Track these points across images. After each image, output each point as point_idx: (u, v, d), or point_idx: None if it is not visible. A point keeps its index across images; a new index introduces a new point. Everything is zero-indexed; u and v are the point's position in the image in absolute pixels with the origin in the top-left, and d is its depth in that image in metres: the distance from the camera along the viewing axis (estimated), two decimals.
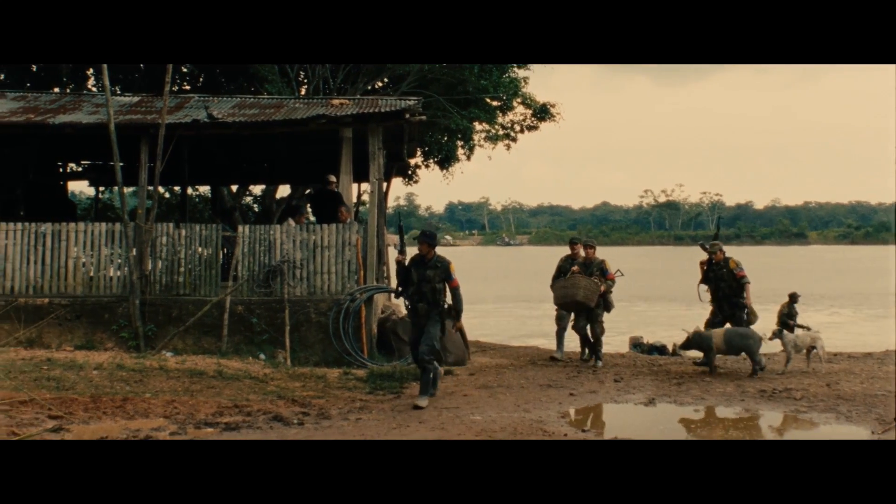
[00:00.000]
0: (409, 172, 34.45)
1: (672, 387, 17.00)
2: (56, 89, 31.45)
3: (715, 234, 21.14)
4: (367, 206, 22.22)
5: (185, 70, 32.15)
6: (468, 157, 34.88)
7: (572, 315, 20.28)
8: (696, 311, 23.47)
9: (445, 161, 34.99)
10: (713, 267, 19.37)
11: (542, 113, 34.95)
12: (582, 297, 19.29)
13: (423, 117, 21.78)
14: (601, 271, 19.71)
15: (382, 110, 21.30)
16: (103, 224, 21.21)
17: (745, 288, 18.95)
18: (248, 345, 19.66)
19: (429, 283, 14.92)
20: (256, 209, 37.52)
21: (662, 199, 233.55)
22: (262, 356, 19.18)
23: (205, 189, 38.31)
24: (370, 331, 20.04)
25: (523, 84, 33.74)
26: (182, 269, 20.52)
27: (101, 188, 33.33)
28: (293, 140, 24.65)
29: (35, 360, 17.65)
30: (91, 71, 33.01)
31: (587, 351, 20.21)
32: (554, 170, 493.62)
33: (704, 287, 19.61)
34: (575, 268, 19.74)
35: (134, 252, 20.16)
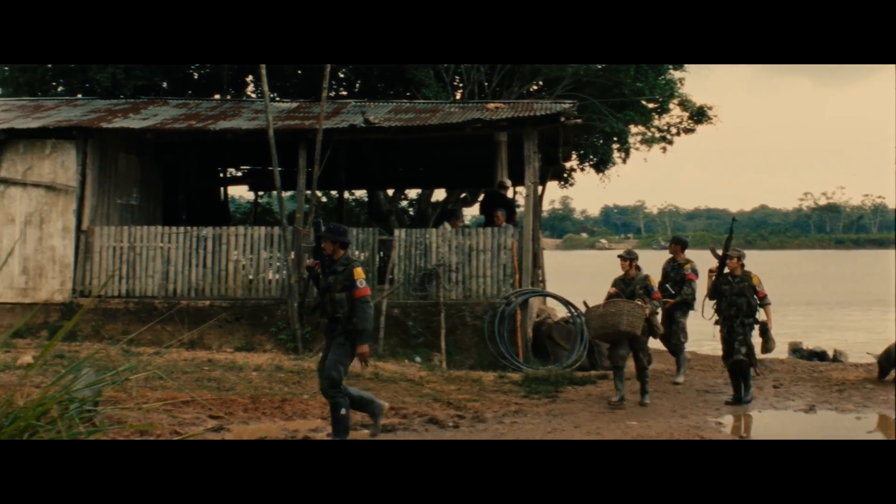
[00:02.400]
0: (565, 176, 34.24)
1: (833, 393, 16.58)
2: (216, 96, 32.08)
3: (728, 237, 16.40)
4: (523, 209, 22.18)
5: (341, 75, 32.50)
6: (624, 160, 34.52)
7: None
8: (859, 316, 22.69)
9: (601, 164, 34.69)
10: (727, 278, 15.82)
11: (699, 115, 34.42)
12: (626, 327, 15.19)
13: (579, 120, 21.62)
14: (645, 290, 15.76)
15: (537, 114, 21.22)
16: (262, 228, 21.58)
17: (767, 310, 15.72)
18: (404, 347, 19.76)
19: (329, 291, 11.78)
20: (412, 213, 37.72)
21: (823, 201, 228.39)
22: (418, 359, 19.26)
23: (361, 193, 38.69)
24: (525, 334, 19.96)
25: (679, 86, 33.30)
26: None
27: (260, 193, 33.90)
28: (448, 144, 24.72)
29: (196, 361, 18.02)
30: (250, 77, 33.60)
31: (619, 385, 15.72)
32: (710, 172, 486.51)
33: (711, 301, 16.11)
34: (612, 289, 15.89)
35: (292, 255, 20.44)
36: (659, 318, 16.29)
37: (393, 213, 33.26)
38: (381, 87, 32.97)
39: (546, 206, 38.09)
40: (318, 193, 23.71)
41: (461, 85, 31.61)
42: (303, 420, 13.59)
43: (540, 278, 24.22)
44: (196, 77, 33.36)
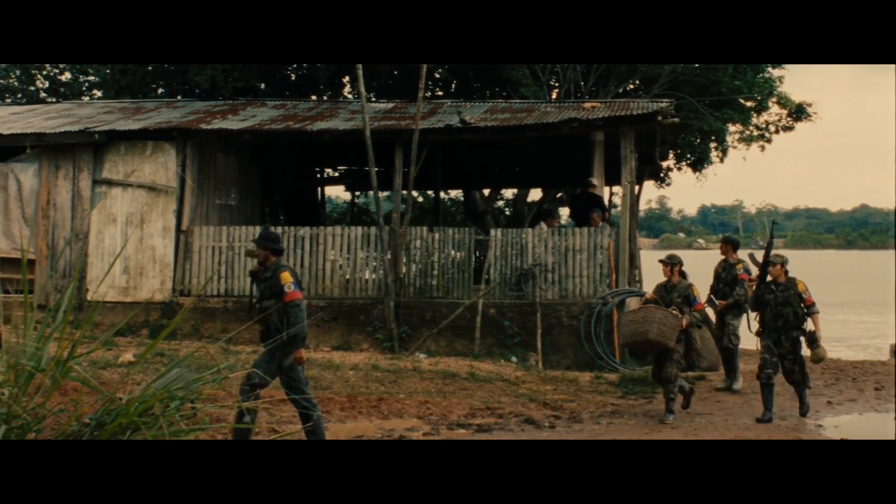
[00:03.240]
0: (661, 175, 33.95)
1: None
2: (313, 97, 32.32)
3: (769, 241, 15.06)
4: (619, 209, 22.04)
5: (437, 76, 32.56)
6: (721, 159, 34.10)
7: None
8: None
9: (698, 163, 34.34)
10: (771, 287, 14.49)
11: (798, 113, 33.88)
12: (655, 336, 14.04)
13: (676, 119, 21.42)
14: (685, 299, 14.52)
15: (634, 113, 21.05)
16: (359, 228, 21.69)
17: (814, 319, 14.34)
18: (500, 347, 19.73)
19: (261, 299, 11.64)
20: (508, 213, 37.68)
21: None
22: (514, 359, 19.22)
23: (457, 193, 38.72)
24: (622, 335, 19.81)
25: (778, 84, 32.82)
26: (435, 272, 20.75)
27: (357, 193, 34.10)
28: (544, 144, 24.62)
29: None
30: (347, 78, 33.79)
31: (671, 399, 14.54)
32: (810, 171, 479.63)
33: (754, 313, 14.91)
34: (649, 294, 15.04)
35: (389, 255, 20.51)
36: (705, 322, 15.76)
37: (489, 213, 33.24)
38: (477, 86, 32.98)
39: (643, 205, 37.92)
40: (415, 193, 23.76)
41: (557, 84, 31.47)
42: (399, 419, 13.63)
43: (637, 278, 24.03)
44: (293, 78, 33.65)
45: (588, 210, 20.84)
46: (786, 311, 14.32)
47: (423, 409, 14.15)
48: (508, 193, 38.72)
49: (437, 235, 20.96)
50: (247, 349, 19.26)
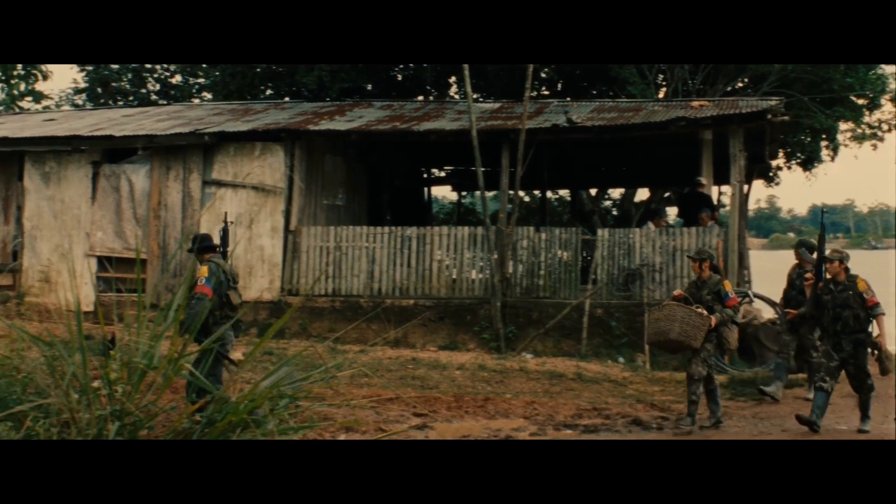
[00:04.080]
0: (770, 174, 33.43)
1: None
2: (420, 97, 32.42)
3: (820, 234, 13.61)
4: (728, 209, 21.77)
5: (544, 75, 32.44)
6: (832, 158, 33.52)
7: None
8: None
9: (808, 162, 33.76)
10: (829, 287, 13.12)
11: None
12: (678, 336, 13.07)
13: (786, 118, 21.08)
14: (716, 296, 13.45)
15: (743, 111, 20.78)
16: (466, 228, 21.71)
17: (879, 321, 12.89)
18: (607, 348, 19.59)
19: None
20: (615, 213, 37.44)
21: None
22: (621, 359, 19.08)
23: (564, 192, 38.56)
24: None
25: (891, 81, 32.13)
26: (542, 272, 20.69)
27: (463, 193, 34.12)
28: (652, 143, 24.40)
29: (401, 360, 18.24)
30: (453, 78, 33.84)
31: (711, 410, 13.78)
32: None
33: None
34: (677, 291, 14.08)
35: (495, 255, 20.48)
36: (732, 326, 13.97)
37: (596, 213, 33.06)
38: (583, 86, 32.79)
39: (751, 205, 37.38)
40: (521, 193, 23.71)
41: (665, 83, 31.19)
42: (505, 419, 13.60)
43: (746, 279, 23.70)
44: (400, 79, 33.76)
45: (697, 210, 20.61)
46: (845, 315, 12.90)
47: (529, 409, 14.11)
48: (615, 193, 38.48)
49: (543, 235, 20.89)
50: (354, 348, 19.40)
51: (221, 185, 22.08)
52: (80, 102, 39.05)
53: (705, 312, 13.11)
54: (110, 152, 23.00)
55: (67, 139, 23.02)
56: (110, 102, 36.98)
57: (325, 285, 21.44)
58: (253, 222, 21.77)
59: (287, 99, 30.68)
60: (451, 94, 34.29)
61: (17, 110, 36.67)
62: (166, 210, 22.33)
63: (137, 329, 6.54)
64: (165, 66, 38.40)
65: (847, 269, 13.07)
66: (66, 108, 37.96)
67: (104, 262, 22.51)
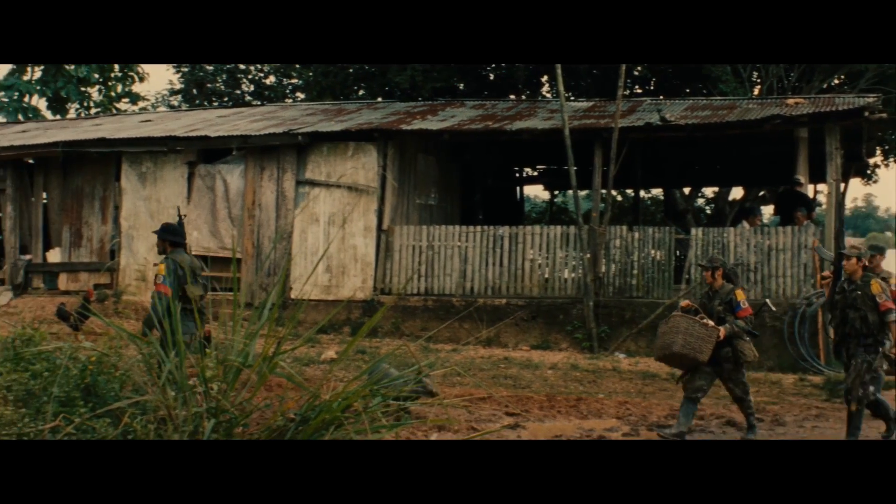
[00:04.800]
0: (868, 172, 32.90)
1: None
2: (512, 96, 32.39)
3: (838, 230, 12.89)
4: (824, 207, 21.46)
5: (636, 73, 32.25)
6: None
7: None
8: None
9: None
10: (842, 285, 12.07)
11: None
12: (680, 349, 12.08)
13: (883, 115, 20.69)
14: (729, 306, 12.41)
15: (839, 109, 20.49)
16: (558, 227, 21.64)
17: (890, 326, 11.55)
18: None
19: None
20: (708, 211, 37.11)
21: None
22: None
23: (657, 191, 38.33)
24: (827, 336, 19.25)
25: None
26: (635, 272, 20.56)
27: (556, 192, 34.03)
28: (746, 141, 24.12)
29: (493, 359, 18.23)
30: (545, 77, 33.77)
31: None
32: None
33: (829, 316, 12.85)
34: (685, 302, 13.02)
35: (588, 254, 20.39)
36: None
37: (689, 212, 32.78)
38: (676, 83, 32.55)
39: (848, 203, 36.79)
40: (614, 192, 23.57)
41: (759, 80, 30.83)
42: (598, 419, 13.52)
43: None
44: (492, 78, 33.76)
45: (793, 208, 20.34)
46: (852, 317, 11.72)
47: (622, 409, 14.01)
48: (709, 191, 38.13)
49: (636, 234, 20.76)
50: (446, 347, 19.43)
51: (315, 184, 22.24)
52: (175, 103, 39.68)
53: (711, 323, 12.13)
54: (205, 152, 23.30)
55: (163, 140, 23.36)
56: (205, 103, 37.53)
57: (418, 284, 21.50)
58: (346, 222, 21.89)
59: (380, 99, 30.85)
60: (544, 92, 34.24)
61: (115, 112, 37.34)
62: (260, 210, 22.54)
63: (232, 327, 6.61)
64: (259, 67, 38.84)
65: (865, 267, 11.95)
66: (163, 109, 38.60)
67: (199, 260, 22.77)
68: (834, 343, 12.69)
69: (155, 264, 11.80)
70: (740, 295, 12.47)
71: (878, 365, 11.72)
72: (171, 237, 12.12)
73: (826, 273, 12.79)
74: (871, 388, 11.69)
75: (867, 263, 12.02)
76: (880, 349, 11.64)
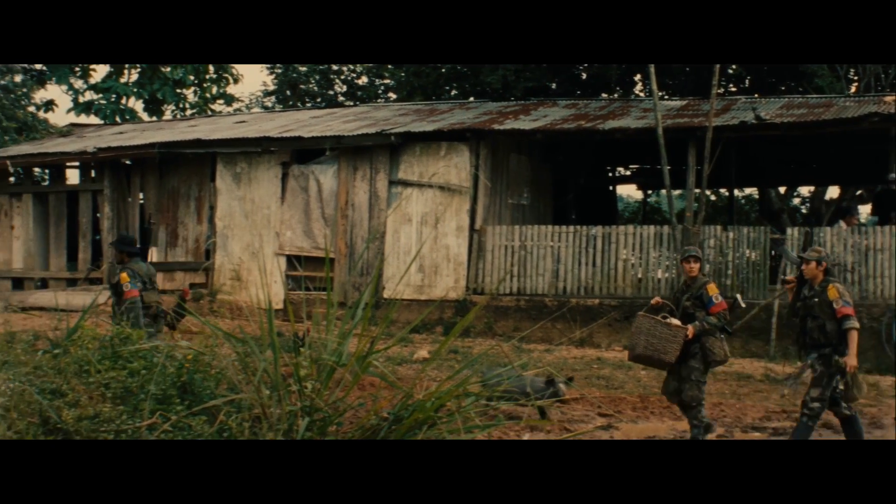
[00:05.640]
0: None
1: None
2: (604, 95, 32.24)
3: (807, 232, 12.15)
4: None
5: (731, 71, 31.92)
6: None
7: None
8: None
9: None
10: (802, 291, 11.26)
11: None
12: (643, 349, 11.46)
13: None
14: (698, 301, 11.59)
15: None
16: (651, 227, 21.51)
17: (849, 336, 10.64)
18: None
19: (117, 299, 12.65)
20: (804, 211, 36.60)
21: None
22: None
23: (751, 190, 37.91)
24: None
25: None
26: (730, 272, 20.36)
27: (649, 191, 33.82)
28: (843, 139, 23.73)
29: (586, 359, 18.16)
30: (638, 76, 33.57)
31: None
32: None
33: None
34: (655, 300, 12.08)
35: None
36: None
37: (784, 211, 32.33)
38: (771, 81, 32.15)
39: None
40: (708, 192, 23.36)
41: (856, 77, 30.35)
42: None
43: None
44: (584, 77, 33.63)
45: (892, 208, 20.01)
46: (810, 326, 10.96)
47: (716, 410, 13.88)
48: (805, 191, 37.61)
49: (731, 234, 20.55)
50: (539, 347, 19.37)
51: (408, 184, 22.31)
52: (269, 104, 40.04)
53: (675, 322, 11.40)
54: (299, 153, 23.49)
55: (258, 140, 23.60)
56: (299, 104, 37.82)
57: (510, 284, 21.48)
58: (438, 221, 21.94)
59: (472, 99, 30.87)
60: (637, 91, 34.04)
61: (210, 113, 37.75)
62: (353, 210, 22.67)
63: (326, 327, 6.65)
64: (352, 67, 39.08)
65: (827, 271, 11.17)
66: (257, 110, 38.99)
67: (293, 260, 23.01)
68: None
69: (115, 275, 12.32)
70: (712, 289, 11.60)
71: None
72: (127, 248, 13.00)
73: (789, 277, 11.92)
74: (816, 405, 10.90)
75: (828, 267, 11.24)
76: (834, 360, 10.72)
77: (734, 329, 12.14)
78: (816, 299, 10.84)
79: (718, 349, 11.42)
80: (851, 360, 10.59)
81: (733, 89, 32.25)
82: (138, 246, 13.57)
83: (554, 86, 33.21)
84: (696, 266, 11.68)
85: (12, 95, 31.06)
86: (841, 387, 10.84)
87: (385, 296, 21.58)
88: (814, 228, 20.68)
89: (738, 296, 12.80)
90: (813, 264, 11.01)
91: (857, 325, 10.67)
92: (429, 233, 21.87)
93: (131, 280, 12.17)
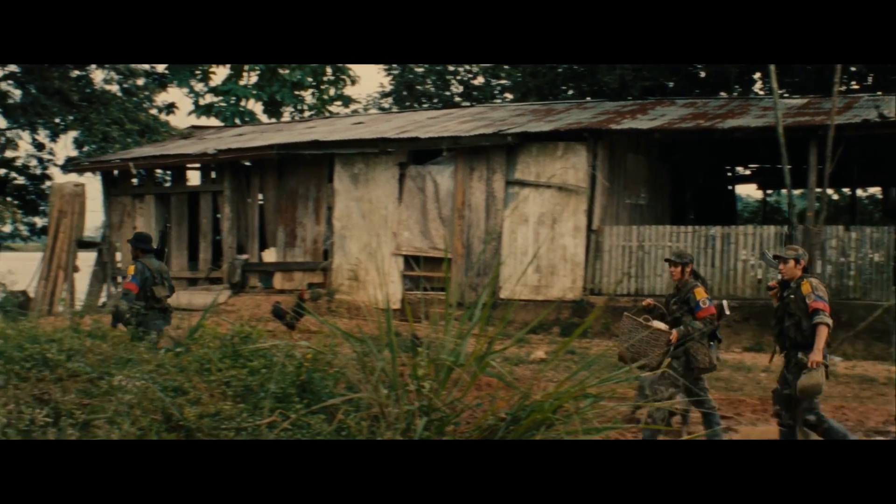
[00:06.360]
0: None
1: None
2: (723, 94, 31.89)
3: (788, 231, 11.71)
4: None
5: (853, 69, 31.36)
6: None
7: None
8: None
9: None
10: (782, 292, 10.79)
11: None
12: (625, 351, 11.10)
13: None
14: (684, 305, 11.21)
15: None
16: (772, 227, 21.21)
17: (818, 330, 10.16)
18: None
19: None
20: None
21: None
22: None
23: (875, 190, 37.17)
24: None
25: None
26: (852, 273, 19.98)
27: (769, 191, 33.38)
28: None
29: None
30: (758, 74, 33.14)
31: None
32: None
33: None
34: (646, 301, 11.84)
35: None
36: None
37: None
38: (894, 78, 31.52)
39: None
40: (829, 191, 22.98)
41: None
42: None
43: None
44: (702, 76, 33.31)
45: None
46: (787, 324, 10.51)
47: (838, 413, 13.63)
48: None
49: (853, 235, 20.17)
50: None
51: (524, 185, 22.29)
52: (386, 105, 40.31)
53: (657, 325, 11.15)
54: (416, 154, 23.63)
55: (375, 141, 23.78)
56: (415, 105, 38.02)
57: (628, 285, 21.35)
58: (555, 222, 21.88)
59: (588, 98, 30.78)
60: (756, 90, 33.62)
61: (328, 114, 38.16)
62: (470, 210, 22.72)
63: (444, 327, 6.67)
64: (468, 68, 39.18)
65: (806, 269, 10.77)
66: (374, 111, 39.29)
67: (410, 260, 23.14)
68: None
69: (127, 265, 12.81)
70: (700, 294, 11.16)
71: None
72: (142, 245, 13.21)
73: (772, 283, 11.12)
74: (811, 416, 10.39)
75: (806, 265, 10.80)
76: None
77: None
78: (792, 296, 10.48)
79: (703, 356, 11.03)
80: (815, 356, 10.04)
81: (855, 87, 31.71)
82: (154, 245, 14.27)
83: (671, 84, 32.98)
84: (675, 270, 11.39)
85: (135, 99, 31.68)
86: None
87: (502, 296, 21.59)
88: None
89: (725, 302, 11.84)
90: (791, 263, 10.65)
91: (827, 320, 10.19)
92: (546, 233, 21.83)
93: (134, 275, 12.66)
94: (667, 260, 11.67)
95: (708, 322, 10.99)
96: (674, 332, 10.93)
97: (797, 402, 10.32)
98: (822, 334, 10.11)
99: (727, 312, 11.65)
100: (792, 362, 10.34)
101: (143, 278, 12.60)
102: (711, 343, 11.14)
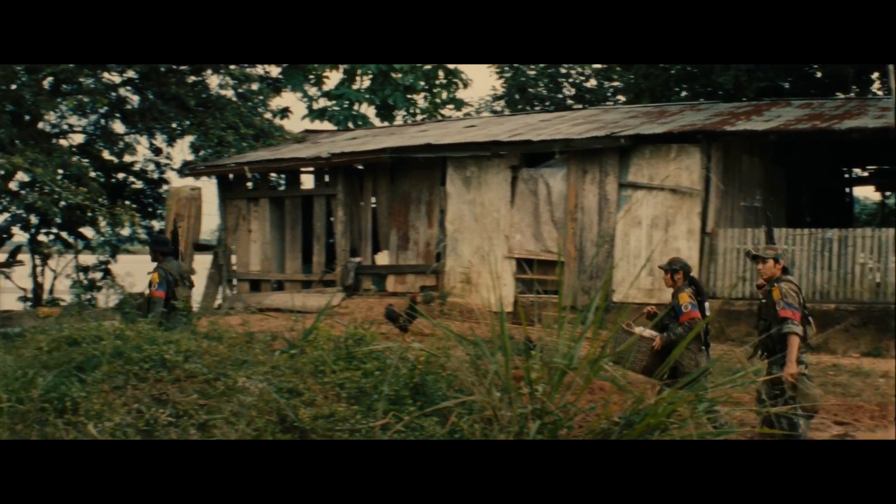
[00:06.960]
0: None
1: None
2: (840, 94, 31.36)
3: (767, 231, 11.95)
4: None
5: None
6: None
7: None
8: None
9: None
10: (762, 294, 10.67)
11: None
12: (613, 357, 9.38)
13: None
14: (674, 311, 11.09)
15: None
16: (891, 230, 20.78)
17: (788, 341, 9.93)
18: None
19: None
20: None
21: None
22: None
23: None
24: None
25: None
26: None
27: (887, 193, 32.77)
28: None
29: (821, 366, 17.67)
30: (876, 74, 32.53)
31: None
32: None
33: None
34: (648, 308, 11.94)
35: None
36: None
37: None
38: None
39: None
40: None
41: None
42: None
43: None
44: (819, 76, 32.80)
45: None
46: (761, 325, 10.48)
47: None
48: None
49: None
50: None
51: (637, 187, 22.15)
52: (498, 108, 40.32)
53: (640, 331, 11.06)
54: (528, 156, 23.62)
55: (487, 145, 23.81)
56: (527, 108, 37.97)
57: (743, 288, 21.08)
58: (668, 224, 21.71)
59: (702, 100, 30.45)
60: (874, 90, 32.98)
61: (440, 118, 38.27)
62: (582, 213, 22.64)
63: (557, 330, 6.66)
64: (581, 69, 39.05)
65: (785, 270, 10.62)
66: (486, 114, 39.33)
67: (522, 263, 23.11)
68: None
69: (149, 273, 13.20)
70: (683, 298, 11.02)
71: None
72: (161, 248, 13.55)
73: (761, 282, 10.85)
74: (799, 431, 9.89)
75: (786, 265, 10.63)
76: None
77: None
78: (765, 300, 10.38)
79: (688, 361, 10.77)
80: (789, 368, 9.82)
81: None
82: (172, 247, 14.79)
83: (787, 85, 32.50)
84: (666, 277, 11.39)
85: (249, 103, 32.07)
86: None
87: (615, 300, 21.47)
88: None
89: (707, 304, 11.59)
90: (770, 262, 10.46)
91: (795, 329, 9.96)
92: (659, 236, 21.67)
93: (160, 282, 12.95)
94: (660, 267, 11.66)
95: (687, 327, 10.68)
96: (658, 338, 10.89)
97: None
98: (793, 344, 9.92)
99: (706, 314, 11.33)
100: (773, 371, 9.97)
101: (167, 284, 12.98)
102: (703, 347, 11.05)
